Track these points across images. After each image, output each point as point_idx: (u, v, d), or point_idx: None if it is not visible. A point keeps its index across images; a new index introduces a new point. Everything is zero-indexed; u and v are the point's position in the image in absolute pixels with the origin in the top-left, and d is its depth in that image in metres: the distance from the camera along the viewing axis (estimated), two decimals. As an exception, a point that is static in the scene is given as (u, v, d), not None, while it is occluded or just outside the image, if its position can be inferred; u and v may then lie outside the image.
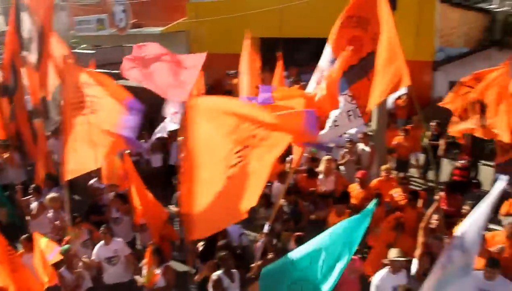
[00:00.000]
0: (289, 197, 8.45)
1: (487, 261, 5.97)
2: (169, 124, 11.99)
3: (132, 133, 7.21)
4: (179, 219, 8.13)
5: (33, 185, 9.29)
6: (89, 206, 9.17)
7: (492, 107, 8.04)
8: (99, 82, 7.30)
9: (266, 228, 6.82)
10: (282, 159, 8.99)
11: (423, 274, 6.38)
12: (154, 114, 11.74)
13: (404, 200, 8.24)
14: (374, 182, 9.19)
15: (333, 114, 7.29)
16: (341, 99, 7.15)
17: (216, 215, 5.78)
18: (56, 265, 6.59)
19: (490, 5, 19.31)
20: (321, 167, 9.42)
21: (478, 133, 8.64)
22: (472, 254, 4.24)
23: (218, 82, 18.14)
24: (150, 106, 8.10)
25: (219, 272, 6.50)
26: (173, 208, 8.76)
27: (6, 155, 11.14)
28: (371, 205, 5.09)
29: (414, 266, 6.83)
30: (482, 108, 8.19)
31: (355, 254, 5.93)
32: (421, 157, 12.05)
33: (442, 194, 8.12)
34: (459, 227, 4.46)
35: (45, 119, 12.12)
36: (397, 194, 8.60)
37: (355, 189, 8.77)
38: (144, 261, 7.01)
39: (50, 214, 8.51)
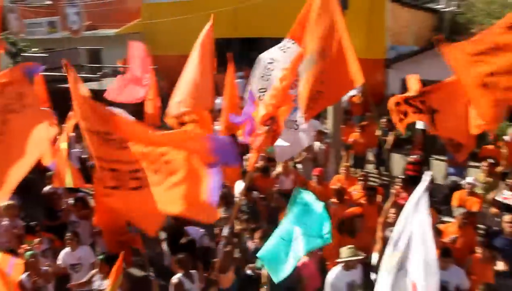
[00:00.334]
0: (248, 196, 8.50)
1: (440, 251, 6.18)
2: None
3: None
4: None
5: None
6: (45, 211, 8.92)
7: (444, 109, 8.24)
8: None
9: (225, 231, 6.79)
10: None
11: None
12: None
13: (363, 197, 8.41)
14: (334, 179, 9.34)
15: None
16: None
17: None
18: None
19: (438, 5, 20.00)
20: (279, 167, 9.49)
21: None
22: (404, 252, 4.37)
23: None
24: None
25: (179, 275, 6.45)
26: None
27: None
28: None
29: (375, 261, 7.02)
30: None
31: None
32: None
33: (398, 188, 8.34)
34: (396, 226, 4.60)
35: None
36: (356, 191, 8.79)
37: (312, 186, 8.89)
38: (94, 270, 6.81)
39: (5, 222, 8.21)
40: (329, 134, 11.08)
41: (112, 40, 22.63)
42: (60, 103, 9.98)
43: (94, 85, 16.09)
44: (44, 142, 5.55)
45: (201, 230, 7.89)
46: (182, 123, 8.22)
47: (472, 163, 10.19)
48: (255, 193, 8.71)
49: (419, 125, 10.52)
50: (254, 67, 8.00)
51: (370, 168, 12.54)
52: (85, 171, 9.45)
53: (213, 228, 8.01)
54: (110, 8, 22.70)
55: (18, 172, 5.35)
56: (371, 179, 11.89)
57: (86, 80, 13.64)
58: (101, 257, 6.72)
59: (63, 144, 8.23)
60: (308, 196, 5.92)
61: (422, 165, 10.59)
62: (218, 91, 16.82)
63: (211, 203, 4.88)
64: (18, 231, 7.94)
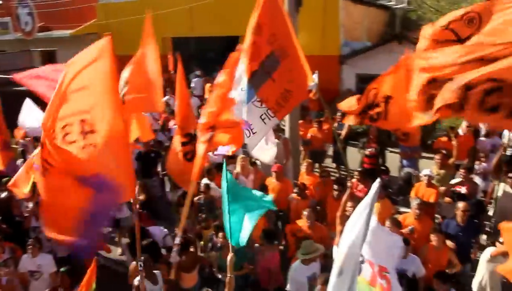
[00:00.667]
0: (206, 193, 8.51)
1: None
2: None
3: None
4: None
5: None
6: (2, 217, 8.63)
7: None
8: None
9: (177, 240, 6.69)
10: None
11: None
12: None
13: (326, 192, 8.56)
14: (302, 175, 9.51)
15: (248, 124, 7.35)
16: (251, 107, 7.23)
17: None
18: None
19: (389, 1, 20.53)
20: (238, 167, 9.50)
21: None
22: (351, 257, 4.41)
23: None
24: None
25: (140, 277, 6.26)
26: None
27: None
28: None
29: (336, 254, 7.15)
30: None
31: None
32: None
33: (354, 181, 8.54)
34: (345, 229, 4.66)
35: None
36: (318, 187, 8.95)
37: (271, 182, 8.98)
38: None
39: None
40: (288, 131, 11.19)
41: (67, 41, 22.15)
42: (13, 106, 9.73)
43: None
44: None
45: (165, 230, 7.84)
46: None
47: (425, 155, 10.51)
48: (214, 190, 8.69)
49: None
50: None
51: (328, 162, 12.77)
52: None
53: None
54: (64, 8, 22.19)
55: None
56: (330, 173, 12.13)
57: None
58: (63, 269, 6.56)
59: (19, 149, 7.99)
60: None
61: (377, 158, 10.87)
62: (174, 90, 16.75)
63: None
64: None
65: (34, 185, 7.86)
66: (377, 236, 4.45)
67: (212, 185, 8.81)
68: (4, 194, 8.95)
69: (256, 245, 7.28)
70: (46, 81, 7.80)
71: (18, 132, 11.76)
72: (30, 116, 10.52)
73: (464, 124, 11.02)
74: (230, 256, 4.92)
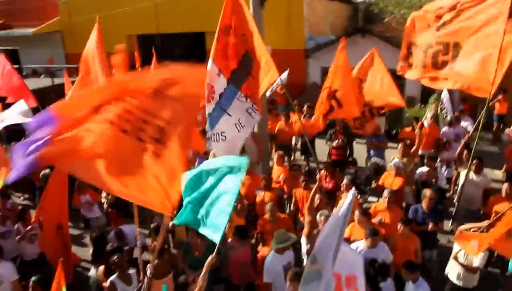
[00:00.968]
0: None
1: (368, 230, 6.54)
2: None
3: None
4: None
5: None
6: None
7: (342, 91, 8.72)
8: None
9: (138, 242, 6.61)
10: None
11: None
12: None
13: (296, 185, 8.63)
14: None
15: (237, 118, 7.47)
16: (236, 103, 7.36)
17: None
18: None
19: (352, -5, 20.82)
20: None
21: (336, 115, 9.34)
22: (326, 264, 4.47)
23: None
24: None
25: (112, 277, 6.26)
26: None
27: None
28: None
29: (304, 245, 7.26)
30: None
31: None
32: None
33: (323, 173, 8.66)
34: (319, 236, 4.73)
35: None
36: (289, 181, 9.04)
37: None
38: None
39: None
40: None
41: (30, 40, 21.64)
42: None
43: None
44: None
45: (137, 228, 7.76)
46: None
47: (392, 145, 10.73)
48: None
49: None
50: None
51: (297, 155, 12.92)
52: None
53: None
54: (25, 6, 21.62)
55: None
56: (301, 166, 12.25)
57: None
58: (34, 279, 6.40)
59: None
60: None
61: (345, 149, 11.04)
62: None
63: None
64: None
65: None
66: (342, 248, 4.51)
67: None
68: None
69: (229, 240, 7.33)
70: None
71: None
72: None
73: (429, 115, 11.30)
74: (211, 257, 4.84)
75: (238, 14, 7.05)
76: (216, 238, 4.75)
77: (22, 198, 11.96)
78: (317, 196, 7.33)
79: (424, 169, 8.84)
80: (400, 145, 9.58)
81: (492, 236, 5.43)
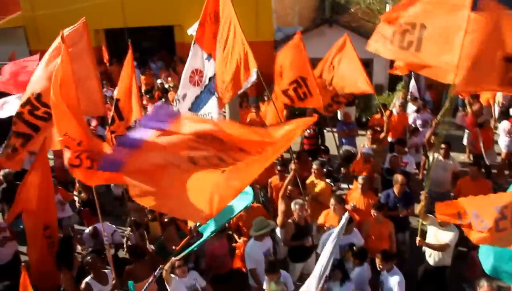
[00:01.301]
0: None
1: (340, 218, 6.66)
2: None
3: None
4: None
5: None
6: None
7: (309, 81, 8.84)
8: None
9: (105, 240, 6.55)
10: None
11: (290, 239, 6.92)
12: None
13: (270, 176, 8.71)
14: None
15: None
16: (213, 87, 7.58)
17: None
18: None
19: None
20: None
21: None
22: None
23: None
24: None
25: (88, 279, 6.19)
26: None
27: None
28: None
29: (279, 234, 7.36)
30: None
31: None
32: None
33: (296, 163, 8.74)
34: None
35: None
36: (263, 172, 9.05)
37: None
38: None
39: None
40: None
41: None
42: None
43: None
44: None
45: (113, 226, 7.72)
46: None
47: (362, 132, 10.89)
48: None
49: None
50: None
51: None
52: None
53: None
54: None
55: None
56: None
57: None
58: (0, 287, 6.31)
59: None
60: None
61: (317, 138, 11.17)
62: (112, 83, 16.39)
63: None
64: None
65: None
66: None
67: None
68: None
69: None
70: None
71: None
72: None
73: (397, 103, 11.52)
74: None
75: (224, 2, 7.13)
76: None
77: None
78: (289, 187, 7.44)
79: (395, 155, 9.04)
80: (368, 132, 9.76)
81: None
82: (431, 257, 6.80)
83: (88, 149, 5.69)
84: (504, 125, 10.69)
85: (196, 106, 7.59)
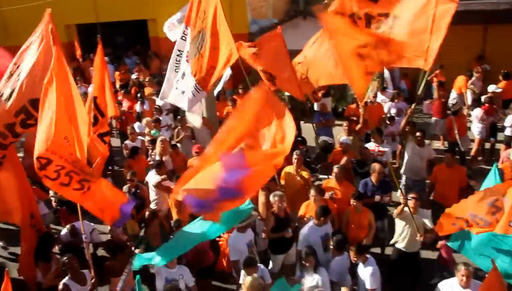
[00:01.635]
0: (131, 182, 8.36)
1: (317, 210, 6.76)
2: None
3: None
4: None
5: None
6: None
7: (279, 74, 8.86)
8: None
9: (84, 237, 6.43)
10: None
11: (271, 231, 6.94)
12: None
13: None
14: None
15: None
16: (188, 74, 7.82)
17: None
18: None
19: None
20: (157, 149, 9.43)
21: None
22: None
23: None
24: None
25: (65, 279, 6.05)
26: None
27: None
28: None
29: (260, 226, 7.37)
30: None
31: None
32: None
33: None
34: None
35: None
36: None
37: (194, 163, 8.97)
38: None
39: None
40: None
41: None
42: None
43: None
44: None
45: (91, 224, 7.60)
46: None
47: (339, 122, 10.96)
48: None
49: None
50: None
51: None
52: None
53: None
54: None
55: None
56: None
57: None
58: None
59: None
60: None
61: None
62: (85, 79, 16.14)
63: None
64: None
65: None
66: None
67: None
68: None
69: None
70: None
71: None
72: None
73: (371, 94, 11.63)
74: None
75: None
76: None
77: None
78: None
79: (372, 144, 9.12)
80: (344, 123, 9.83)
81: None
82: (403, 243, 6.92)
83: (75, 162, 5.44)
84: (476, 112, 10.90)
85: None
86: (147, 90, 13.84)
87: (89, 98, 7.26)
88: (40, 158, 5.20)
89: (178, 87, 8.32)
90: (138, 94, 13.65)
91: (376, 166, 7.71)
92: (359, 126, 10.02)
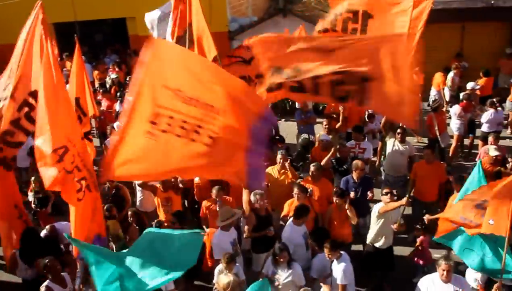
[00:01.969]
0: (111, 183, 8.26)
1: (295, 210, 6.80)
2: None
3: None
4: None
5: None
6: None
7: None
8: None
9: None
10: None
11: (252, 230, 6.93)
12: None
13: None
14: None
15: None
16: None
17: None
18: None
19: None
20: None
21: None
22: None
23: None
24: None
25: (47, 282, 5.96)
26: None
27: None
28: None
29: (243, 225, 7.36)
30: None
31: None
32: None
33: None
34: None
35: None
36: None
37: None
38: None
39: None
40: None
41: None
42: None
43: None
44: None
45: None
46: None
47: (320, 120, 10.97)
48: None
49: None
50: None
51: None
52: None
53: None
54: None
55: None
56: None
57: None
58: None
59: None
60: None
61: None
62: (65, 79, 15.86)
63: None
64: None
65: None
66: None
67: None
68: None
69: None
70: None
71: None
72: None
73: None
74: None
75: None
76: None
77: None
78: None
79: (352, 142, 9.17)
80: (324, 122, 9.86)
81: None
82: (381, 241, 7.03)
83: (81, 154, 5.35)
84: (455, 109, 11.04)
85: None
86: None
87: (71, 99, 7.15)
88: (58, 149, 5.06)
89: None
90: (118, 94, 13.49)
91: (358, 163, 7.75)
92: (339, 124, 10.06)
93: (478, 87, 12.02)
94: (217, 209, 7.31)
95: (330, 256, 6.10)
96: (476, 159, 9.51)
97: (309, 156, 9.27)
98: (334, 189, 7.45)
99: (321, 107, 12.89)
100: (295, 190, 7.16)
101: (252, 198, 7.00)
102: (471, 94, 11.44)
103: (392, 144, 8.76)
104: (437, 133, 10.35)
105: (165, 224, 7.38)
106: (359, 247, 7.77)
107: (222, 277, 5.58)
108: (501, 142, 9.79)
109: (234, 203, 7.66)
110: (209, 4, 16.14)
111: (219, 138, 4.75)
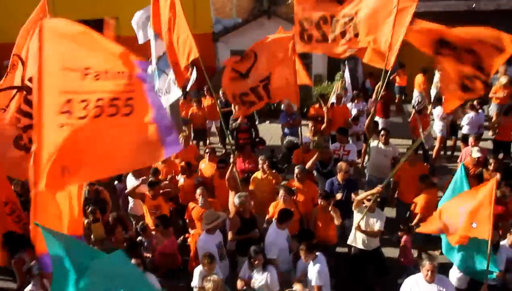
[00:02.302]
0: (91, 186, 8.15)
1: (278, 215, 6.74)
2: None
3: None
4: None
5: None
6: None
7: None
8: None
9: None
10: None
11: (237, 233, 6.89)
12: None
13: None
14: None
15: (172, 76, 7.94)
16: (169, 72, 7.85)
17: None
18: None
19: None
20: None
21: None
22: None
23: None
24: None
25: (29, 287, 5.90)
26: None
27: None
28: None
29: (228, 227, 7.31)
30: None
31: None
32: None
33: (237, 156, 8.66)
34: None
35: None
36: (203, 164, 8.99)
37: (160, 166, 8.84)
38: None
39: None
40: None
41: None
42: None
43: None
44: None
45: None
46: None
47: (305, 122, 10.99)
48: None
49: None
50: None
51: (215, 140, 12.96)
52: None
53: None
54: None
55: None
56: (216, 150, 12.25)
57: None
58: None
59: None
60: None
61: (250, 132, 11.03)
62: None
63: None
64: None
65: None
66: None
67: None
68: None
69: (153, 232, 7.26)
70: None
71: None
72: None
73: (334, 95, 11.68)
74: None
75: None
76: None
77: None
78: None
79: (337, 144, 9.18)
80: (310, 124, 9.86)
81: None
82: (363, 242, 7.05)
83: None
84: (438, 111, 11.13)
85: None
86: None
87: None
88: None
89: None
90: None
91: (342, 165, 7.76)
92: (323, 126, 10.07)
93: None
94: (200, 205, 7.37)
95: (306, 258, 6.08)
96: (459, 161, 9.60)
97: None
98: (319, 191, 7.45)
99: (305, 110, 12.92)
100: (281, 192, 7.14)
101: (235, 200, 6.96)
102: (453, 96, 11.51)
103: (376, 145, 8.79)
104: (422, 135, 10.42)
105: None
106: (345, 249, 7.78)
107: (208, 280, 5.51)
108: (483, 144, 9.90)
109: (218, 206, 7.63)
110: (193, 5, 16.11)
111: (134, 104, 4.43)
